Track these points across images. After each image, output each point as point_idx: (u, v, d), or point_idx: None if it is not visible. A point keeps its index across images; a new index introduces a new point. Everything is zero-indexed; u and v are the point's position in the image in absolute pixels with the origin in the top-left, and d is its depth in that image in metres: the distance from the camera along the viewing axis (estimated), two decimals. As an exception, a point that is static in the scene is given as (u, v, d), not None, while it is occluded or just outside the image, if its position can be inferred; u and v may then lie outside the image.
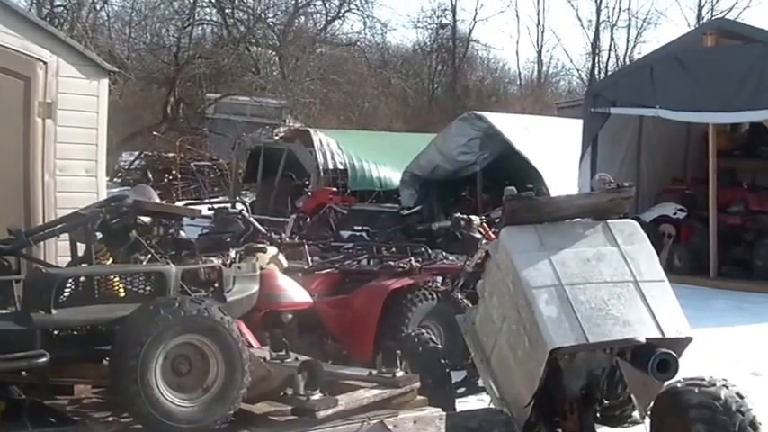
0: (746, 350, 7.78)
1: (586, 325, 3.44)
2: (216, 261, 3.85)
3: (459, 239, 9.75)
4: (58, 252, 5.06)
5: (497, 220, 5.29)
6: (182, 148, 23.16)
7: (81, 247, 3.82)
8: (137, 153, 24.68)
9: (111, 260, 3.78)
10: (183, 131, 24.71)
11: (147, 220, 3.95)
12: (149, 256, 3.77)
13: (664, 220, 12.66)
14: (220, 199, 20.07)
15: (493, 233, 5.23)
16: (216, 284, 3.66)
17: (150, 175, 21.51)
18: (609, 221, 3.83)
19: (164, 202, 8.08)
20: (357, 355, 5.93)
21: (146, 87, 26.10)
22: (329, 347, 6.14)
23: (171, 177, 21.98)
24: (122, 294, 3.45)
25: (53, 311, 3.21)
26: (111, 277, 3.45)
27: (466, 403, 5.16)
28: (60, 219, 3.93)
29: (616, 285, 3.59)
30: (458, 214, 5.58)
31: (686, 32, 17.70)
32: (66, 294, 3.31)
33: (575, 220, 3.87)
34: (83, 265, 3.65)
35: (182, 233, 4.21)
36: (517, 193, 3.88)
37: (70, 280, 3.37)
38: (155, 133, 24.21)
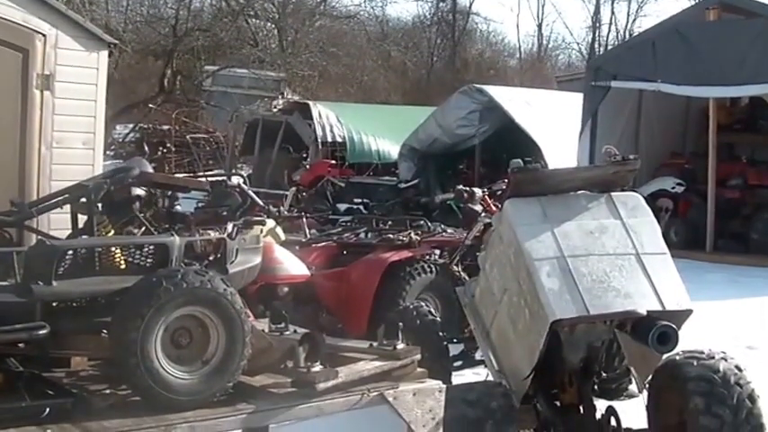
0: (742, 324, 7.80)
1: (587, 297, 3.43)
2: (213, 234, 3.82)
3: (456, 212, 9.75)
4: (50, 225, 4.99)
5: (499, 193, 5.27)
6: (177, 121, 23.03)
7: (80, 220, 3.79)
8: (131, 126, 24.53)
9: (112, 232, 3.75)
10: (180, 104, 24.55)
11: (140, 192, 3.90)
12: (144, 228, 3.74)
13: (662, 195, 12.67)
14: (216, 172, 20.05)
15: (494, 205, 5.22)
16: (216, 256, 3.64)
17: (146, 148, 21.43)
18: (612, 194, 3.81)
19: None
20: (351, 329, 5.92)
21: (141, 60, 25.87)
22: (324, 321, 6.12)
23: (165, 150, 21.88)
24: (123, 266, 3.43)
25: (54, 283, 3.19)
26: (114, 249, 3.42)
27: (462, 377, 5.17)
28: (64, 190, 3.87)
29: (618, 258, 3.58)
30: (460, 186, 5.55)
31: (689, 6, 17.62)
32: (66, 266, 3.29)
33: (579, 192, 3.86)
34: (83, 236, 3.63)
35: (177, 207, 4.17)
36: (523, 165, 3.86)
37: (72, 252, 3.34)
38: (150, 106, 24.06)
